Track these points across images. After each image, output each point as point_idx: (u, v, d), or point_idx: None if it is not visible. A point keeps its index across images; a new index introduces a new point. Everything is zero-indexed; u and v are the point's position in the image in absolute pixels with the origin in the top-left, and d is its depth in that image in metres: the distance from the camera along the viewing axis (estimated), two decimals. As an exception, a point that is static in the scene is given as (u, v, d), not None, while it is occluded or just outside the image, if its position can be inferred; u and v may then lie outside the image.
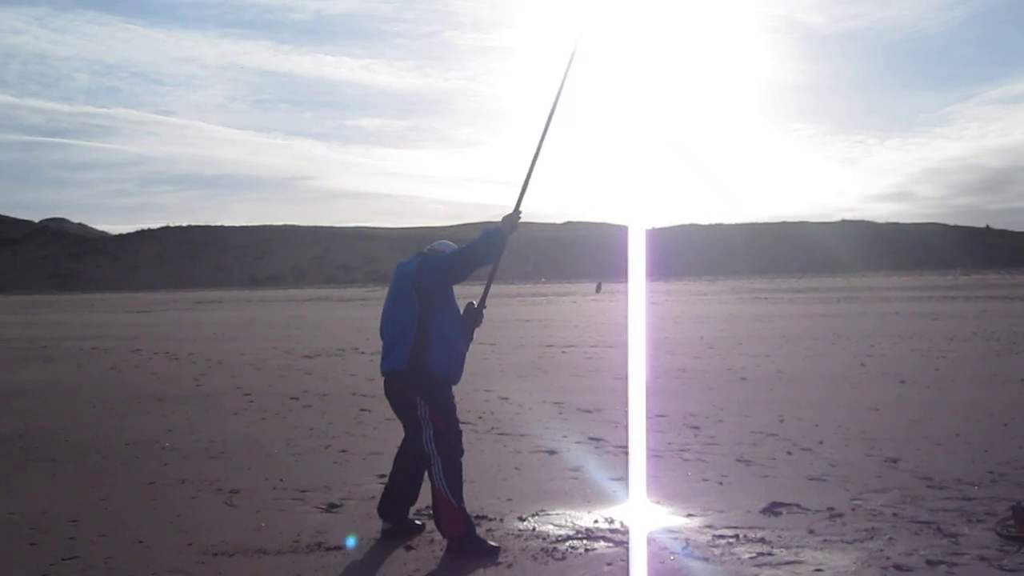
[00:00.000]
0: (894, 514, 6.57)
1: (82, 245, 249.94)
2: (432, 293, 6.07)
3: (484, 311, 6.44)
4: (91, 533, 6.47)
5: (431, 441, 6.03)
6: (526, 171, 6.59)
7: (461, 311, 6.34)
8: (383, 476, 7.79)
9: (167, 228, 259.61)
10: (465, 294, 6.20)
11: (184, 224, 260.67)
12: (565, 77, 6.54)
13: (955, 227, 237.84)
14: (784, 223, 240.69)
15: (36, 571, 5.67)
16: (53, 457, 9.32)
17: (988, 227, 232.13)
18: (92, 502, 7.38)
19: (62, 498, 7.54)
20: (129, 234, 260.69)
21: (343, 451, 9.33)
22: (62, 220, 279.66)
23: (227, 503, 7.30)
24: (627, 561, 5.60)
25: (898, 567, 5.42)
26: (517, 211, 6.36)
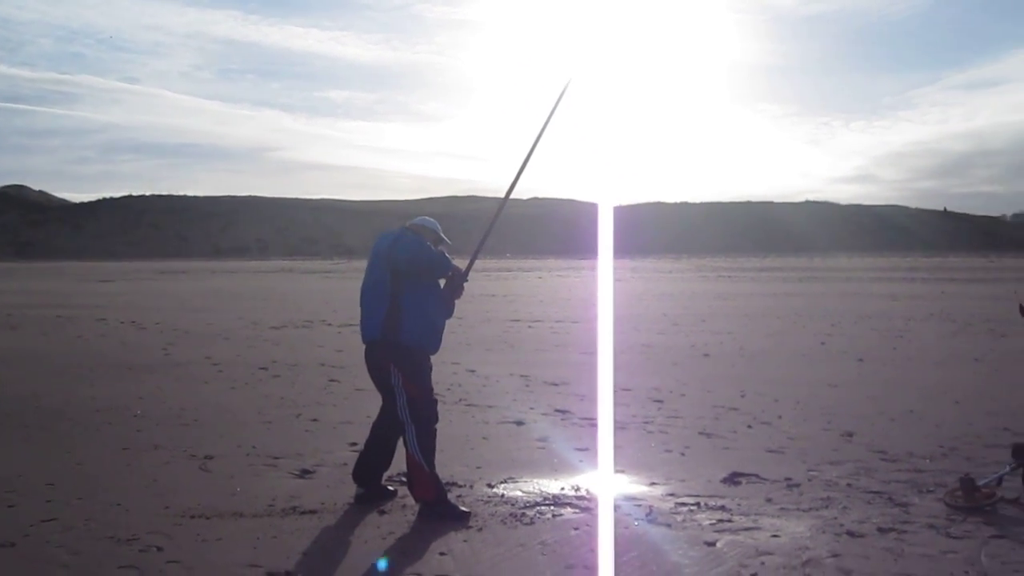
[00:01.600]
0: (848, 484, 6.84)
1: (43, 213, 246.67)
2: (404, 268, 6.23)
3: (465, 284, 6.58)
4: (68, 496, 6.60)
5: (405, 408, 6.20)
6: (482, 234, 6.81)
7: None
8: (354, 444, 7.99)
9: (129, 197, 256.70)
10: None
11: (147, 193, 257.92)
12: (548, 119, 6.70)
13: (917, 210, 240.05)
14: (749, 203, 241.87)
15: (17, 532, 5.79)
16: (25, 423, 9.41)
17: (945, 210, 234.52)
18: (67, 466, 7.50)
19: (37, 462, 7.65)
20: (91, 202, 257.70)
21: (314, 420, 9.50)
22: (22, 187, 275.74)
23: (202, 468, 7.45)
24: (593, 526, 5.82)
25: (851, 533, 5.68)
26: (466, 276, 6.57)
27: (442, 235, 6.73)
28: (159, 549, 5.46)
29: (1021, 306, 7.30)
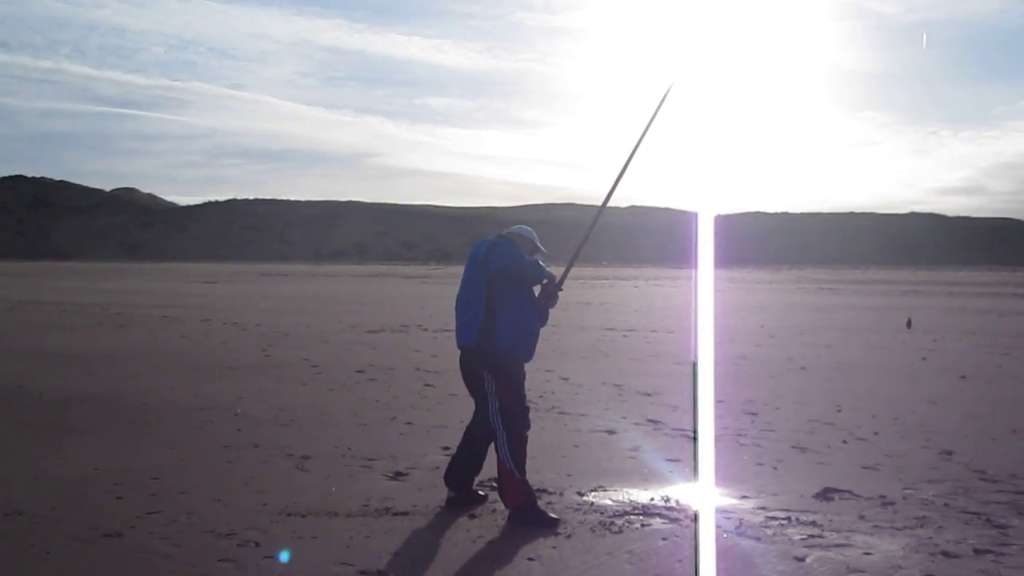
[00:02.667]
0: (945, 504, 6.71)
1: (151, 215, 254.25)
2: (498, 276, 6.33)
3: (560, 293, 6.67)
4: (172, 490, 6.84)
5: (497, 415, 6.29)
6: (573, 251, 6.89)
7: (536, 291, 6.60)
8: (447, 448, 8.11)
9: (234, 200, 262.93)
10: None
11: (251, 197, 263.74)
12: (649, 125, 6.73)
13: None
14: (852, 213, 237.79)
15: (124, 522, 6.03)
16: (131, 419, 9.75)
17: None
18: (171, 462, 7.76)
19: (143, 457, 7.93)
20: (197, 205, 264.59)
21: (408, 423, 9.65)
22: (132, 190, 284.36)
23: (298, 468, 7.64)
24: (682, 536, 5.83)
25: (945, 554, 5.58)
26: (560, 285, 6.68)
27: (538, 244, 6.82)
28: (256, 545, 5.63)
29: (909, 320, 7.12)
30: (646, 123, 6.74)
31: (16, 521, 6.07)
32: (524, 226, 6.96)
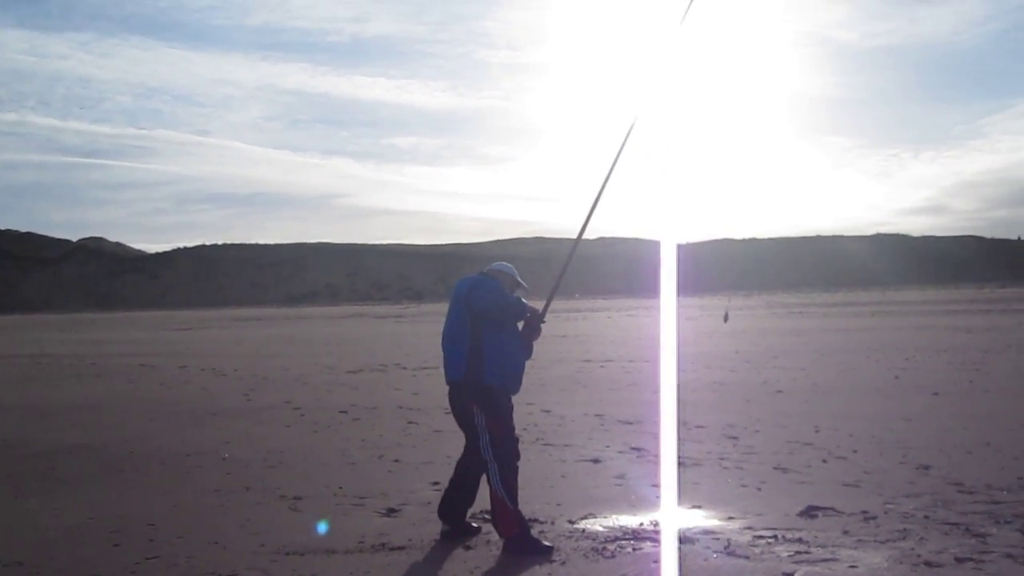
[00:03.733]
0: (925, 516, 6.92)
1: (120, 264, 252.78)
2: (481, 314, 6.52)
3: (543, 325, 6.86)
4: (169, 535, 6.93)
5: (488, 447, 6.45)
6: (553, 284, 7.09)
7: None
8: (436, 483, 8.24)
9: (202, 246, 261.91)
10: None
11: (220, 243, 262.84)
12: (616, 161, 6.94)
13: (991, 240, 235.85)
14: (819, 237, 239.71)
15: (123, 569, 6.13)
16: (120, 468, 9.81)
17: (1020, 239, 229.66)
18: (165, 508, 7.85)
19: (136, 504, 8.01)
20: (165, 252, 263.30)
21: (396, 461, 9.77)
22: (100, 239, 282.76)
23: (292, 508, 7.74)
24: (672, 557, 5.99)
25: (928, 564, 5.77)
26: (543, 318, 6.87)
27: (519, 279, 7.02)
28: (259, 584, 5.74)
29: (726, 314, 7.37)
30: (613, 159, 6.96)
31: (17, 572, 6.15)
32: (504, 263, 7.16)
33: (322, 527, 5.58)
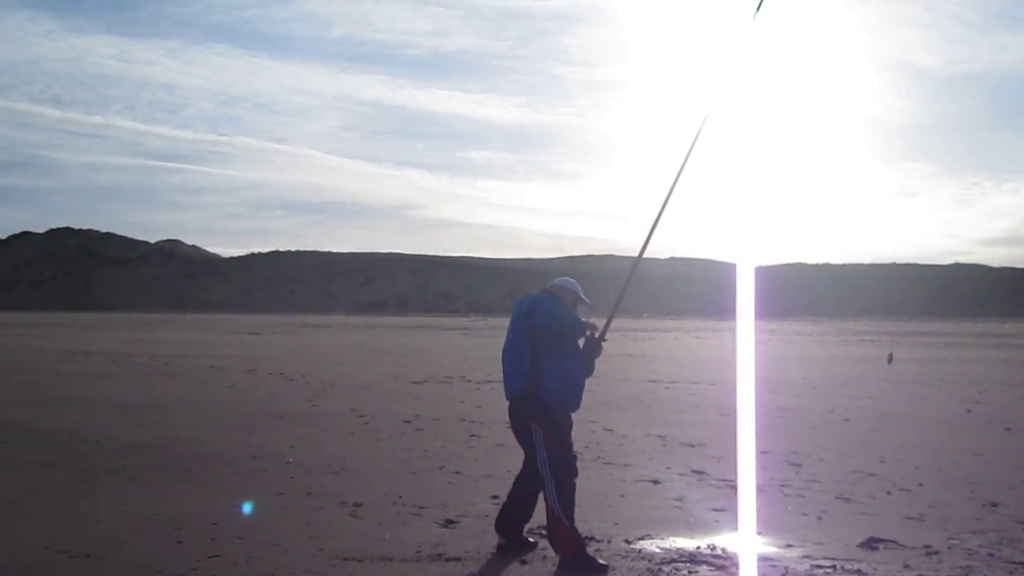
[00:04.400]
0: (990, 554, 6.79)
1: (195, 266, 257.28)
2: (540, 332, 6.57)
3: (604, 343, 6.88)
4: (231, 535, 7.06)
5: (545, 463, 6.48)
6: (614, 302, 7.10)
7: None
8: (496, 497, 8.28)
9: (276, 252, 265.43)
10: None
11: (293, 249, 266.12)
12: (687, 158, 6.92)
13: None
14: (894, 264, 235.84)
15: (186, 566, 6.26)
16: (187, 466, 10.02)
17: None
18: (228, 508, 7.99)
19: (200, 503, 8.17)
20: (240, 257, 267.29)
21: (456, 473, 9.84)
22: (176, 242, 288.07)
23: (352, 515, 7.84)
24: (728, 583, 5.96)
25: (990, 602, 5.67)
26: (604, 336, 6.88)
27: (581, 295, 7.03)
28: (316, 588, 5.83)
29: (891, 355, 7.19)
30: (679, 166, 6.94)
31: (84, 563, 6.32)
32: (568, 278, 7.18)
33: (247, 507, 5.69)
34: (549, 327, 6.53)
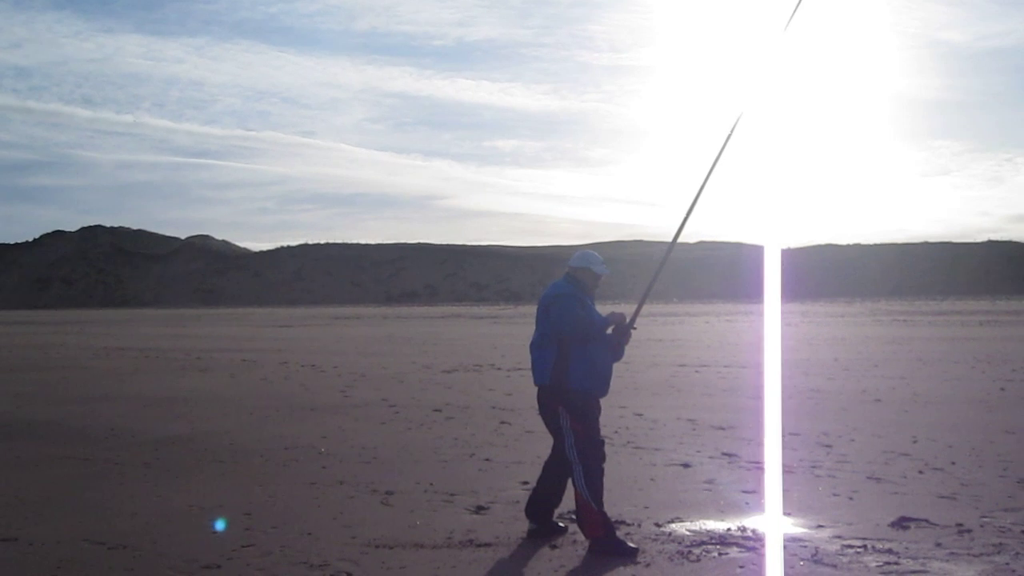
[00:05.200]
0: (1022, 531, 6.75)
1: (225, 261, 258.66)
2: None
3: (633, 330, 6.89)
4: (264, 525, 7.15)
5: (573, 448, 6.52)
6: (644, 289, 7.08)
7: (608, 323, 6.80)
8: (526, 483, 8.33)
9: (305, 245, 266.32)
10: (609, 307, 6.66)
11: (322, 241, 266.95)
12: (720, 153, 6.91)
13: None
14: (926, 243, 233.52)
15: (220, 555, 6.34)
16: (220, 459, 10.13)
17: None
18: (261, 499, 8.08)
19: (234, 494, 8.27)
20: (269, 251, 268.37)
21: (487, 460, 9.89)
22: (206, 237, 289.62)
23: (383, 503, 7.91)
24: (759, 565, 5.97)
25: (1023, 579, 5.65)
26: (632, 324, 6.87)
27: (598, 269, 6.95)
28: (348, 575, 5.89)
29: None
30: (715, 156, 6.93)
31: (121, 554, 6.41)
32: (585, 253, 7.07)
33: (220, 524, 5.77)
34: (562, 332, 6.57)
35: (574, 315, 6.61)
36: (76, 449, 10.81)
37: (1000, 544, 6.42)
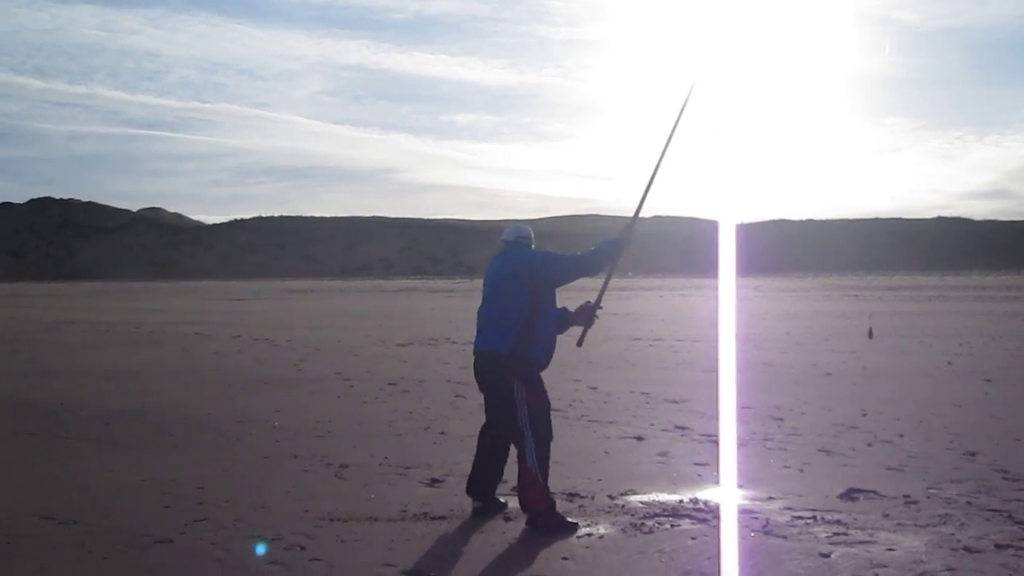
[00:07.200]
0: (968, 502, 6.88)
1: (178, 234, 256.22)
2: (549, 286, 6.60)
3: (599, 311, 6.92)
4: (217, 499, 7.11)
5: (526, 420, 6.48)
6: (642, 191, 7.05)
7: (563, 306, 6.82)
8: (481, 456, 8.33)
9: (259, 218, 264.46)
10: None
11: (276, 215, 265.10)
12: (677, 123, 6.91)
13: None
14: (877, 219, 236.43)
15: (174, 529, 6.30)
16: (173, 432, 10.05)
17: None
18: (215, 473, 8.03)
19: (186, 468, 8.21)
20: (223, 223, 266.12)
21: (442, 433, 9.90)
22: (159, 210, 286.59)
23: (338, 476, 7.89)
24: (710, 536, 6.04)
25: (967, 549, 5.76)
26: (633, 228, 6.82)
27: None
28: (302, 548, 5.89)
29: (870, 330, 7.25)
30: (670, 129, 6.94)
31: (72, 529, 6.35)
32: (519, 226, 7.12)
33: (260, 549, 5.77)
34: (579, 274, 6.60)
35: (571, 259, 6.62)
36: (25, 424, 10.68)
37: (946, 515, 6.54)
